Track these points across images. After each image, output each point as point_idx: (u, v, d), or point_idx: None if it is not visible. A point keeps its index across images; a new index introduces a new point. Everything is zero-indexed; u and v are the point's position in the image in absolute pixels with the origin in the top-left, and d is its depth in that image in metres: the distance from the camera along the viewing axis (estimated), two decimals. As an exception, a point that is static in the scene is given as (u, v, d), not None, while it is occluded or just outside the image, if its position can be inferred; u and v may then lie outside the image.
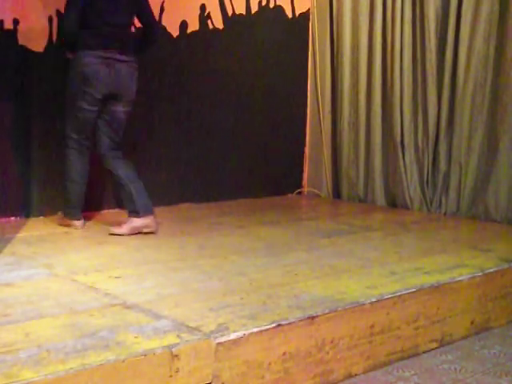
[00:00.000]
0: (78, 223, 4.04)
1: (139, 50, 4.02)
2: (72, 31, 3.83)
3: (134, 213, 3.92)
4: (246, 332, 2.36)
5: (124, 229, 3.90)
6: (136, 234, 3.90)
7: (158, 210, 4.77)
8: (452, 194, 5.01)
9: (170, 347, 2.16)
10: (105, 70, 3.81)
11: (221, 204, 5.16)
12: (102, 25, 3.82)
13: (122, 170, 3.97)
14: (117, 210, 4.64)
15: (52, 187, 4.38)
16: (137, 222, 3.91)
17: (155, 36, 4.16)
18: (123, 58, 3.87)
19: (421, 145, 5.17)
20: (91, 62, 3.79)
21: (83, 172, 4.00)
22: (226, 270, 3.22)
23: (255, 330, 2.39)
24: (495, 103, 4.78)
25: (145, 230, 3.92)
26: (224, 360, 2.28)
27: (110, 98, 3.91)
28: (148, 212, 3.95)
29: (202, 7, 5.05)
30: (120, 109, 3.97)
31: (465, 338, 3.18)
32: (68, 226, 4.04)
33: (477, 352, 3.03)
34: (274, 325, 2.44)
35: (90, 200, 4.57)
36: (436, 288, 3.06)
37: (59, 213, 4.24)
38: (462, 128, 4.93)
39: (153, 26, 4.14)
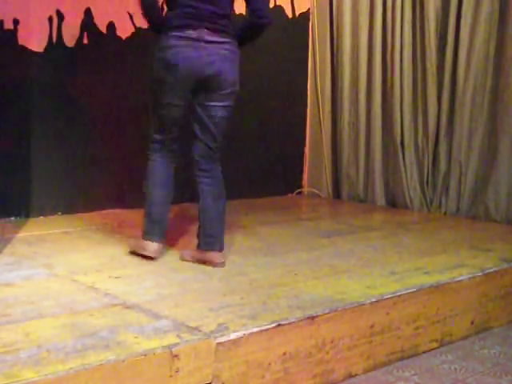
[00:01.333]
0: (151, 246, 3.31)
1: (242, 39, 3.30)
2: (149, 2, 3.20)
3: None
4: (246, 332, 2.36)
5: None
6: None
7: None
8: (452, 194, 5.01)
9: (169, 347, 2.16)
10: (190, 53, 3.13)
11: (221, 204, 5.15)
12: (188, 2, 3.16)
13: (204, 192, 3.37)
14: (117, 210, 4.65)
15: (52, 187, 4.39)
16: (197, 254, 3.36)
17: (262, 18, 3.28)
18: (215, 38, 3.15)
19: (421, 145, 5.17)
20: (172, 44, 3.13)
21: (165, 181, 3.37)
22: (226, 270, 3.22)
23: (255, 329, 2.39)
24: (495, 103, 4.78)
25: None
26: (224, 360, 2.28)
27: (200, 88, 3.21)
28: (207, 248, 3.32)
29: (202, 7, 5.04)
30: (215, 104, 3.23)
31: (465, 338, 3.18)
32: (139, 248, 3.34)
33: (477, 352, 3.03)
34: (274, 325, 2.44)
35: (91, 199, 4.58)
36: (436, 288, 3.06)
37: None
38: (462, 128, 4.93)
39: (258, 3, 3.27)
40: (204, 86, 3.17)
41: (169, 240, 3.83)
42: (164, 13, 3.44)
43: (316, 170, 5.83)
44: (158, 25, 3.23)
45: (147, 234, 3.33)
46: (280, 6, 5.55)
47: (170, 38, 3.13)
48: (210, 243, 3.29)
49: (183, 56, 3.11)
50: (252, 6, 3.25)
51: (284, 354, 2.46)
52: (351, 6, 5.42)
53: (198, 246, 3.33)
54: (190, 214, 4.71)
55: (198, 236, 3.34)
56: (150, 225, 3.33)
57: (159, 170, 3.33)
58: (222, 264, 3.27)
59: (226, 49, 3.18)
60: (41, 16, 4.27)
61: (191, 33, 3.12)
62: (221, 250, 3.32)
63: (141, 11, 3.27)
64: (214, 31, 3.15)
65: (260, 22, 3.28)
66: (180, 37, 3.12)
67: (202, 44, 3.13)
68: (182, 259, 3.36)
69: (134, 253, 3.38)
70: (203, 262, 3.28)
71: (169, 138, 3.31)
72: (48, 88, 4.32)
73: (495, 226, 4.62)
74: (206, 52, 3.13)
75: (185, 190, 5.08)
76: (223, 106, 3.24)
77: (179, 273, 3.12)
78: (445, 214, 5.03)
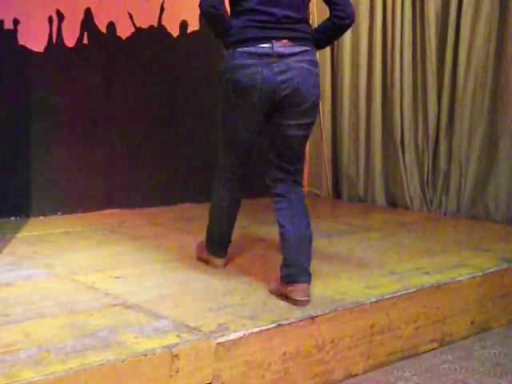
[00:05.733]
0: (219, 261, 3.22)
1: (321, 41, 2.94)
2: (212, 9, 2.77)
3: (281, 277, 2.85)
4: (246, 332, 2.36)
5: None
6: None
7: (158, 209, 4.79)
8: (452, 194, 5.01)
9: (170, 347, 2.16)
10: (262, 73, 2.71)
11: (221, 204, 5.15)
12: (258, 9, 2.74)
13: (281, 217, 2.87)
14: (117, 210, 4.65)
15: (52, 187, 4.39)
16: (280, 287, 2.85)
17: (345, 19, 2.85)
18: (291, 50, 2.74)
19: (421, 145, 5.17)
20: (241, 63, 2.73)
21: (236, 197, 3.12)
22: (226, 269, 3.21)
23: (255, 329, 2.39)
24: (495, 103, 4.78)
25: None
26: (224, 360, 2.28)
27: (275, 110, 2.80)
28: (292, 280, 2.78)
29: (202, 7, 5.04)
30: (292, 122, 2.79)
31: (465, 338, 3.18)
32: (206, 261, 3.27)
33: (477, 352, 3.03)
34: (273, 325, 2.44)
35: (91, 199, 4.58)
36: (436, 288, 3.06)
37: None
38: (462, 128, 4.93)
39: (341, 4, 2.83)
40: (280, 105, 2.76)
41: (168, 239, 3.84)
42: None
43: (316, 170, 5.83)
44: (224, 37, 2.83)
45: (213, 252, 3.22)
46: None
47: (238, 55, 2.73)
48: (289, 274, 2.78)
49: (255, 77, 2.70)
50: (335, 6, 2.83)
51: (284, 354, 2.46)
52: (351, 6, 5.42)
53: (281, 279, 2.83)
54: (190, 215, 4.71)
55: (281, 268, 2.87)
56: (215, 246, 3.21)
57: (225, 195, 3.08)
58: (304, 302, 2.71)
59: (304, 60, 2.75)
60: (41, 16, 4.27)
61: (263, 47, 2.71)
62: (305, 281, 2.77)
63: (205, 22, 2.98)
64: (291, 41, 2.73)
65: (344, 23, 2.87)
66: (250, 53, 2.71)
67: (277, 59, 2.70)
68: (270, 292, 2.89)
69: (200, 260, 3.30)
70: (285, 296, 2.75)
71: (239, 164, 3.03)
72: (48, 88, 4.31)
73: (495, 226, 4.62)
74: (281, 68, 2.71)
75: (185, 190, 5.11)
76: (301, 124, 2.81)
77: (179, 273, 3.12)
78: (445, 214, 5.03)
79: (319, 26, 2.96)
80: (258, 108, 2.77)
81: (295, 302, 2.70)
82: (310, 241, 2.88)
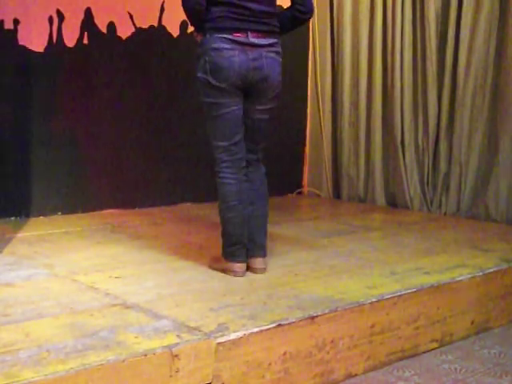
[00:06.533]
0: (238, 267, 3.09)
1: (281, 30, 3.18)
2: (197, 6, 3.01)
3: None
4: (246, 332, 2.36)
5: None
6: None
7: (158, 209, 4.79)
8: (452, 194, 5.01)
9: (170, 347, 2.16)
10: (237, 57, 2.98)
11: (221, 204, 5.15)
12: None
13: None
14: (117, 210, 4.65)
15: (52, 187, 4.39)
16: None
17: (306, 13, 3.21)
18: (263, 41, 3.04)
19: (421, 145, 5.17)
20: (218, 46, 2.98)
21: (242, 193, 3.09)
22: (226, 270, 3.21)
23: (255, 330, 2.39)
24: (495, 103, 4.78)
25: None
26: (224, 360, 2.28)
27: (246, 92, 3.06)
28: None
29: (202, 7, 5.04)
30: (258, 107, 3.11)
31: (465, 338, 3.18)
32: (225, 270, 3.11)
33: (477, 352, 3.02)
34: (274, 325, 2.44)
35: (91, 199, 4.58)
36: (436, 288, 3.06)
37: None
38: (462, 128, 4.93)
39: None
40: (250, 90, 3.04)
41: (168, 239, 3.84)
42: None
43: (316, 170, 5.83)
44: (202, 26, 3.06)
45: (234, 257, 3.09)
46: (280, 5, 5.52)
47: (217, 39, 2.97)
48: (250, 249, 3.11)
49: (233, 60, 2.95)
50: (298, 0, 3.14)
51: (284, 353, 2.46)
52: (351, 6, 5.42)
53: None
54: (190, 215, 4.71)
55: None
56: (232, 247, 3.09)
57: (230, 191, 3.06)
58: (263, 270, 3.12)
59: (273, 51, 3.07)
60: (41, 16, 4.27)
61: (239, 36, 2.97)
62: (263, 256, 3.16)
63: (186, 15, 3.13)
64: (263, 33, 3.02)
65: (303, 17, 3.21)
66: (227, 39, 2.96)
67: (250, 48, 2.98)
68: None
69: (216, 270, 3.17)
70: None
71: (233, 142, 3.05)
72: (48, 88, 4.32)
73: (495, 226, 4.62)
74: (254, 55, 2.99)
75: (185, 190, 5.10)
76: (266, 109, 3.11)
77: (179, 273, 3.12)
78: (445, 214, 5.02)
79: (279, 16, 3.19)
80: (237, 87, 3.00)
81: (255, 270, 3.13)
82: (265, 219, 3.20)
